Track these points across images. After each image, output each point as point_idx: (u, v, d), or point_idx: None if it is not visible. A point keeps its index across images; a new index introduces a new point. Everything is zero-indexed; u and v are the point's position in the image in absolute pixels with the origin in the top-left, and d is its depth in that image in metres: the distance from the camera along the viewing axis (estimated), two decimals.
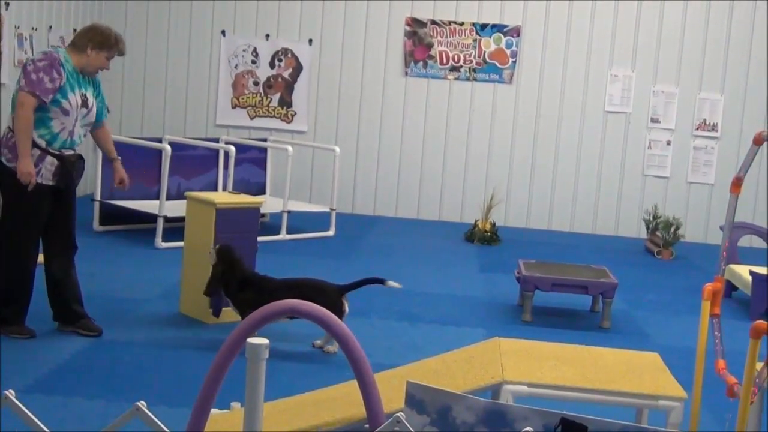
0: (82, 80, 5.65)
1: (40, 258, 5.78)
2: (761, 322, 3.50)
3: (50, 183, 5.57)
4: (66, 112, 5.52)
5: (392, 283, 5.96)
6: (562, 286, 7.05)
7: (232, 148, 9.26)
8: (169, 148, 8.89)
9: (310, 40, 11.63)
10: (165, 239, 8.62)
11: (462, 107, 11.60)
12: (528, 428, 2.28)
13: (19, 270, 5.63)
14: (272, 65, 11.69)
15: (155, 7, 11.70)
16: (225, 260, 5.93)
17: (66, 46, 5.85)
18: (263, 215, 9.73)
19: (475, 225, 10.46)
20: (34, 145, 5.47)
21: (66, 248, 5.79)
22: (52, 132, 5.52)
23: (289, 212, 9.68)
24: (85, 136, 5.75)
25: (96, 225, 9.19)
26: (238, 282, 5.88)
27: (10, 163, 5.49)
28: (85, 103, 5.63)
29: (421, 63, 11.56)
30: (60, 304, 5.83)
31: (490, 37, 11.48)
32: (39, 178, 5.51)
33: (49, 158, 5.53)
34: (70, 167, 5.62)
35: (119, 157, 6.00)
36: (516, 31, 11.47)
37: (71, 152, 5.64)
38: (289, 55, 11.67)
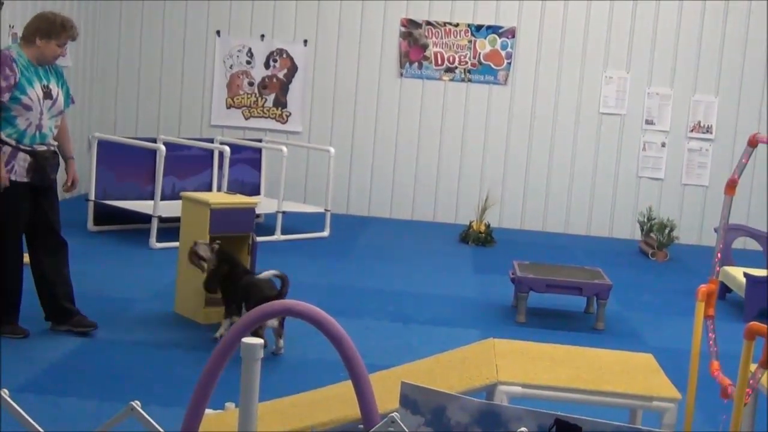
0: (42, 72, 5.58)
1: (26, 258, 5.75)
2: (755, 324, 3.50)
3: (25, 180, 5.52)
4: (28, 108, 5.46)
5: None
6: (556, 287, 7.05)
7: (227, 149, 9.25)
8: (163, 148, 8.87)
9: (305, 41, 11.62)
10: (159, 239, 8.61)
11: (457, 108, 11.61)
12: (523, 429, 2.28)
13: (5, 270, 5.59)
14: (267, 66, 11.69)
15: (150, 7, 11.68)
16: (226, 260, 6.00)
17: (19, 40, 5.78)
18: (258, 216, 9.72)
19: (470, 226, 10.46)
20: (4, 143, 5.44)
21: (54, 246, 5.75)
22: (18, 130, 5.47)
23: (283, 213, 9.67)
24: (56, 127, 5.67)
25: (90, 225, 9.18)
26: (234, 279, 5.95)
27: None
28: (48, 94, 5.56)
29: (416, 64, 11.56)
30: (52, 303, 5.80)
31: (485, 38, 11.49)
32: (13, 175, 5.47)
33: (21, 155, 5.48)
34: (44, 162, 5.57)
35: (73, 157, 5.90)
36: (511, 33, 11.47)
37: (44, 148, 5.60)
38: (284, 56, 11.66)
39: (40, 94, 5.51)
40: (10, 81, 5.39)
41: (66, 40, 5.61)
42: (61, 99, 5.66)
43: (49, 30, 5.53)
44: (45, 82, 5.57)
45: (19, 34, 9.26)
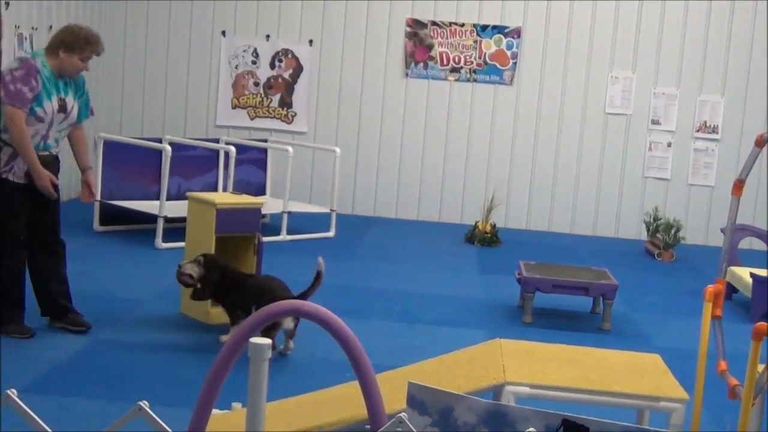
0: (62, 84, 5.60)
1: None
2: (763, 324, 3.49)
3: (22, 181, 5.55)
4: (40, 120, 5.50)
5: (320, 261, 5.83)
6: (562, 287, 7.04)
7: (233, 149, 9.26)
8: (169, 148, 8.88)
9: (311, 41, 11.62)
10: (165, 240, 8.61)
11: (462, 108, 11.60)
12: (530, 429, 2.28)
13: (7, 269, 5.61)
14: (272, 66, 11.69)
15: (155, 7, 11.69)
16: (217, 267, 5.96)
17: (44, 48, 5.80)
18: (263, 216, 9.72)
19: (476, 226, 10.45)
20: (6, 144, 5.47)
21: (51, 246, 5.79)
22: None
23: (289, 213, 9.67)
24: (62, 138, 5.73)
25: (96, 225, 9.19)
26: (233, 284, 5.92)
27: None
28: (63, 108, 5.59)
29: (421, 64, 11.55)
30: (47, 300, 5.85)
31: (490, 38, 11.48)
32: (11, 176, 5.51)
33: (21, 157, 5.52)
34: (44, 167, 5.59)
35: (91, 167, 5.93)
36: (516, 33, 11.46)
37: (46, 153, 5.62)
38: (290, 56, 11.66)
39: (56, 107, 5.55)
40: (35, 92, 5.43)
41: (90, 54, 5.63)
42: (74, 113, 5.69)
43: (73, 44, 5.55)
44: (62, 95, 5.59)
45: (25, 35, 9.35)
